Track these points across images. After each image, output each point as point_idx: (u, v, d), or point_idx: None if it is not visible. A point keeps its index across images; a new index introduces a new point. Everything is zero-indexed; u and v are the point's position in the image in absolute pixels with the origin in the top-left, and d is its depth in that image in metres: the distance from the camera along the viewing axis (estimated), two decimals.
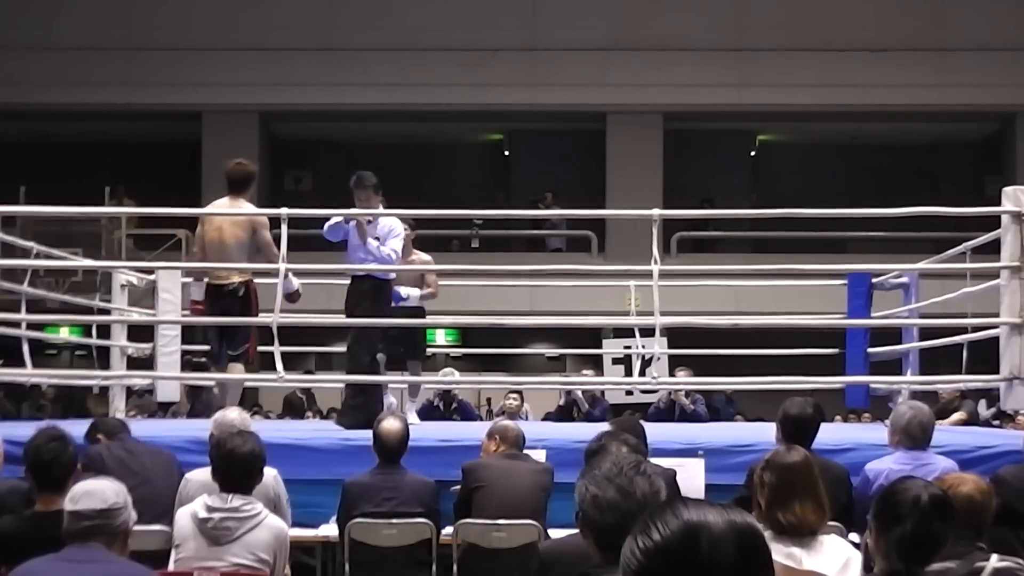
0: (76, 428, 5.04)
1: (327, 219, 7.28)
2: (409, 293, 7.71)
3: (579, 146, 18.45)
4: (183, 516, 4.34)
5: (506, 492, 5.30)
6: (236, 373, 7.02)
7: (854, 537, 4.44)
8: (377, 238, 7.15)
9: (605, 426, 5.53)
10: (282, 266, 6.74)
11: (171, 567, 4.36)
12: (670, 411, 9.58)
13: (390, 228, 7.18)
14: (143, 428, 6.58)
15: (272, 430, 6.66)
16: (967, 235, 8.07)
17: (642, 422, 5.95)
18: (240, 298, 6.88)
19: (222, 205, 7.07)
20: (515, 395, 10.16)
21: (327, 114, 17.61)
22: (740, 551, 1.49)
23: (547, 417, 10.86)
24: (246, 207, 7.01)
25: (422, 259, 7.82)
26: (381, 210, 7.22)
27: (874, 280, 8.67)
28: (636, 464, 2.60)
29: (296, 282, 7.05)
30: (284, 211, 6.90)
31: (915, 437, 5.15)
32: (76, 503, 3.43)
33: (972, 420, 9.37)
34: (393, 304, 7.39)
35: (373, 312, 7.06)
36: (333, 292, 7.65)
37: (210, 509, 4.27)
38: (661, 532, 1.50)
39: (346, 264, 7.36)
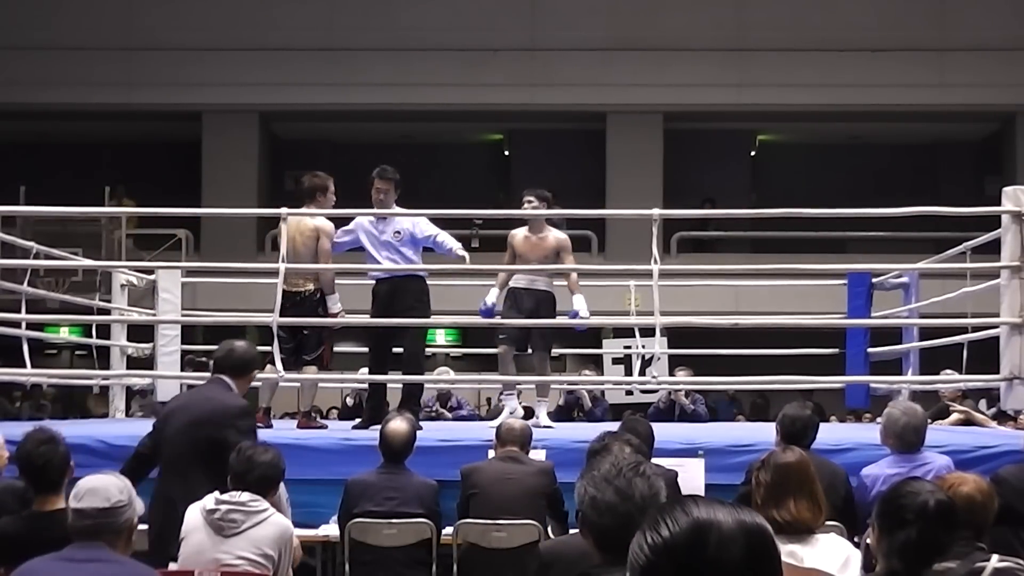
0: (76, 428, 5.04)
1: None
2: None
3: (579, 146, 18.44)
4: (193, 510, 4.39)
5: (498, 499, 5.30)
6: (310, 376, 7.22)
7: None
8: (398, 232, 7.17)
9: (606, 426, 5.53)
10: (281, 266, 6.81)
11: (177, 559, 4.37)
12: (670, 411, 9.58)
13: (421, 224, 7.21)
14: (145, 428, 6.56)
15: (273, 430, 6.68)
16: (967, 235, 8.07)
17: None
18: (316, 302, 7.05)
19: (299, 215, 7.12)
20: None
21: (327, 114, 17.60)
22: (748, 550, 1.50)
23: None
24: (317, 217, 7.08)
25: (558, 237, 7.68)
26: (383, 210, 7.23)
27: (874, 280, 8.67)
28: (635, 465, 2.58)
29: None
30: (284, 211, 6.98)
31: (909, 442, 5.16)
32: (80, 500, 3.40)
33: (972, 420, 9.35)
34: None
35: (427, 311, 7.18)
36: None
37: (219, 501, 4.33)
38: (670, 528, 1.50)
39: (369, 264, 7.38)
